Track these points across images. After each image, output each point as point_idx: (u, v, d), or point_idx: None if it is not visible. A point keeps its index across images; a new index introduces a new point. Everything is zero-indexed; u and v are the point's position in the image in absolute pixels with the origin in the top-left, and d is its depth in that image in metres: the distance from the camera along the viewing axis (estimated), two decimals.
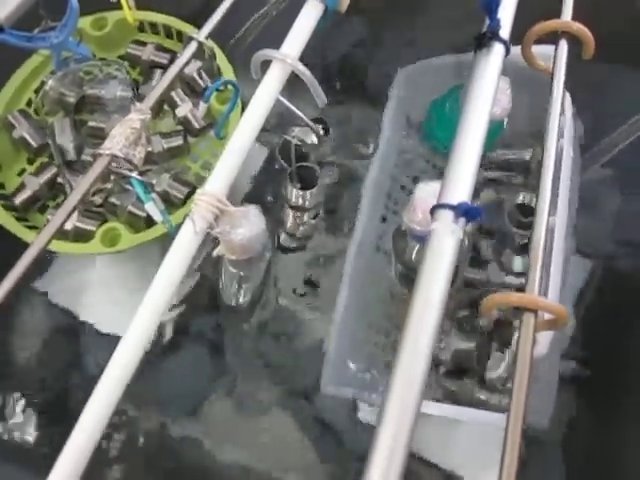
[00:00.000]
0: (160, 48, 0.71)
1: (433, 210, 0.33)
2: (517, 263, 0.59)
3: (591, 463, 0.61)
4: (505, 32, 0.40)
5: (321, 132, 0.69)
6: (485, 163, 0.67)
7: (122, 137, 0.38)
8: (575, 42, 0.43)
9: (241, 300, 0.67)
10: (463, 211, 0.32)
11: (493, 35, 0.38)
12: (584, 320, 0.66)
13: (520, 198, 0.61)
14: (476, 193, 0.65)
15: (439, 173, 0.68)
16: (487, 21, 0.40)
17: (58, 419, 0.65)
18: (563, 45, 0.43)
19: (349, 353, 0.58)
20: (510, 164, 0.66)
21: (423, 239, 0.32)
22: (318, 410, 0.64)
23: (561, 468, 0.61)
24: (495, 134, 0.64)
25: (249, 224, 0.47)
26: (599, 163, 0.72)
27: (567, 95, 0.54)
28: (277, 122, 0.72)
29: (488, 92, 0.38)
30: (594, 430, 0.62)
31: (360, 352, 0.60)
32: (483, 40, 0.39)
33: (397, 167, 0.68)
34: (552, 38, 0.44)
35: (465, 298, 0.59)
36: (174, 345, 0.67)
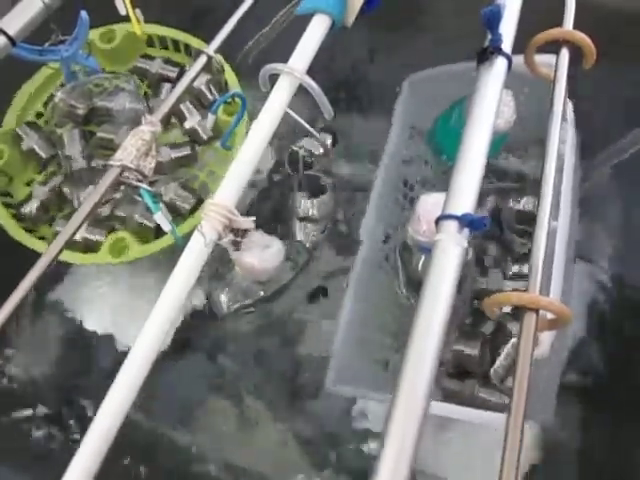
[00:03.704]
0: (168, 62, 0.72)
1: (438, 221, 0.34)
2: (516, 270, 0.60)
3: (605, 473, 0.61)
4: (507, 46, 0.41)
5: (329, 142, 0.70)
6: (488, 171, 0.67)
7: (133, 148, 0.39)
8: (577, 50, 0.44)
9: (226, 309, 0.67)
10: (467, 222, 0.33)
11: (495, 50, 0.39)
12: (596, 328, 0.66)
13: (521, 205, 0.62)
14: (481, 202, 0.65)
15: (445, 184, 0.69)
16: (489, 35, 0.40)
17: (69, 426, 0.65)
18: (564, 54, 0.44)
19: (354, 352, 0.59)
20: (510, 172, 0.67)
21: (428, 250, 0.33)
22: (318, 417, 0.65)
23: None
24: (498, 145, 0.64)
25: (264, 256, 0.49)
26: (604, 169, 0.72)
27: (569, 102, 0.54)
28: (284, 133, 0.73)
29: (491, 105, 0.38)
30: (608, 440, 0.62)
31: (365, 352, 0.60)
32: (485, 55, 0.39)
33: (402, 177, 0.69)
34: (555, 47, 0.44)
35: (470, 302, 0.60)
36: (173, 351, 0.68)
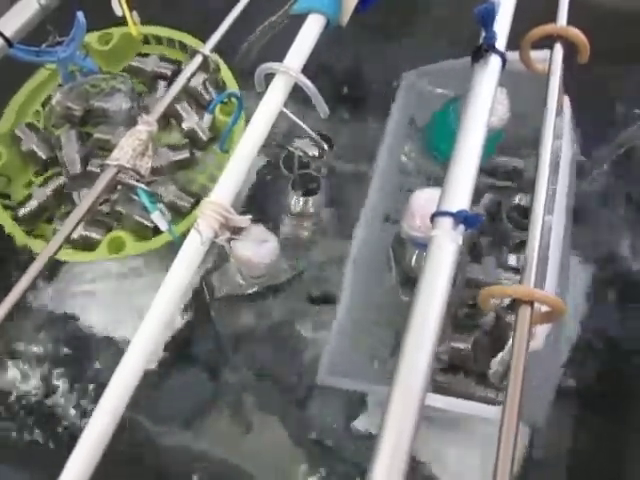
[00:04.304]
0: (163, 59, 0.72)
1: (433, 217, 0.34)
2: (513, 261, 0.60)
3: (597, 475, 0.61)
4: (501, 44, 0.41)
5: (325, 145, 0.70)
6: (485, 169, 0.68)
7: (129, 148, 0.39)
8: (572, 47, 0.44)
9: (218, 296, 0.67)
10: (462, 218, 0.33)
11: (489, 47, 0.39)
12: (589, 331, 0.66)
13: (517, 199, 0.62)
14: (477, 197, 0.66)
15: (440, 181, 0.69)
16: (483, 33, 0.41)
17: (67, 423, 0.65)
18: (558, 49, 0.44)
19: (348, 346, 0.59)
20: (507, 171, 0.67)
21: (422, 245, 0.33)
22: (314, 420, 0.65)
23: None
24: (494, 142, 0.65)
25: (260, 251, 0.49)
26: (603, 167, 0.73)
27: (565, 98, 0.55)
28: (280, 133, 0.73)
29: (486, 103, 0.39)
30: (600, 443, 0.62)
31: (359, 346, 0.60)
32: (479, 53, 0.40)
33: (400, 173, 0.69)
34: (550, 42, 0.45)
35: (464, 297, 0.60)
36: (171, 357, 0.68)
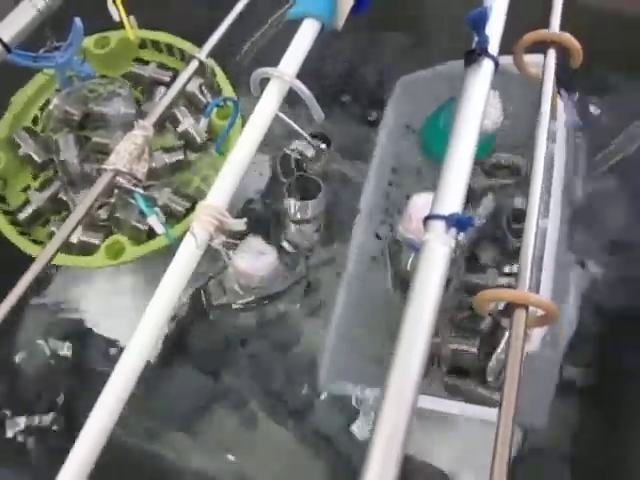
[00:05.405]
0: (161, 66, 0.73)
1: (425, 221, 0.34)
2: (513, 267, 0.60)
3: (596, 472, 0.61)
4: (494, 48, 0.42)
5: (322, 146, 0.70)
6: (486, 169, 0.68)
7: (126, 152, 0.39)
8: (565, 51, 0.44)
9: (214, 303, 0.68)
10: (454, 221, 0.34)
11: (482, 51, 0.40)
12: (588, 327, 0.66)
13: (517, 203, 0.62)
14: (477, 200, 0.66)
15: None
16: (475, 37, 0.41)
17: (63, 428, 0.65)
18: (551, 54, 0.45)
19: (346, 350, 0.59)
20: (506, 169, 0.67)
21: (418, 249, 0.33)
22: (314, 423, 0.65)
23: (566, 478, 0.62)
24: (487, 146, 0.65)
25: (257, 264, 0.50)
26: (603, 169, 0.73)
27: (560, 101, 0.55)
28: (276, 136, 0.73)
29: (478, 107, 0.39)
30: (599, 439, 0.63)
31: (358, 349, 0.60)
32: (472, 56, 0.40)
33: (395, 175, 0.70)
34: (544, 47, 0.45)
35: (464, 301, 0.60)
36: (168, 359, 0.68)
